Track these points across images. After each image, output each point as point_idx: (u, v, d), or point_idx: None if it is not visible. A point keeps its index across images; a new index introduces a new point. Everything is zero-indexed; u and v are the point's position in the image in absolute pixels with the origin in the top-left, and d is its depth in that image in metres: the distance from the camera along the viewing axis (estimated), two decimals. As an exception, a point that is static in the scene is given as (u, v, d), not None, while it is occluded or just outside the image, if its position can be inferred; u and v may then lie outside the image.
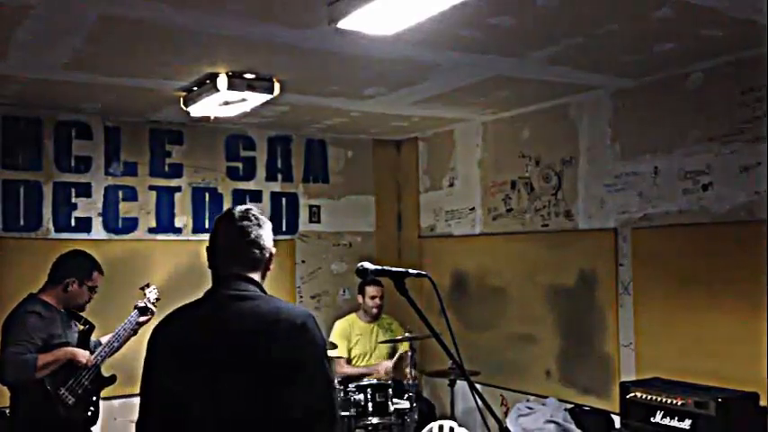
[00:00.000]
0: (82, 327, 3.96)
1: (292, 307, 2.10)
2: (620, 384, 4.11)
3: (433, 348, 5.54)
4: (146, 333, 2.18)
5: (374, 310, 5.56)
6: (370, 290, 5.54)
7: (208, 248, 2.15)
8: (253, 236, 2.11)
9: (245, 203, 5.93)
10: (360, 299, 5.66)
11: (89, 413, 3.87)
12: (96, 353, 3.89)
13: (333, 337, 5.52)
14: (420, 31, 3.34)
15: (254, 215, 2.14)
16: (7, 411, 3.77)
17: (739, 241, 3.96)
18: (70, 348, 3.77)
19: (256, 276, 2.11)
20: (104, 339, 4.01)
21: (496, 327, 5.59)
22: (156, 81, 4.37)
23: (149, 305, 4.11)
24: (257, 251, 2.11)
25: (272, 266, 2.17)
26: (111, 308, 4.44)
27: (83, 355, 3.79)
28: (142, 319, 4.07)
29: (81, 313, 3.97)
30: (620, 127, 4.67)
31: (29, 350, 3.58)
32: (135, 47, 3.70)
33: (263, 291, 2.10)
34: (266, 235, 2.15)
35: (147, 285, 4.27)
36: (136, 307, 4.10)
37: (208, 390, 1.94)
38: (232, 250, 2.11)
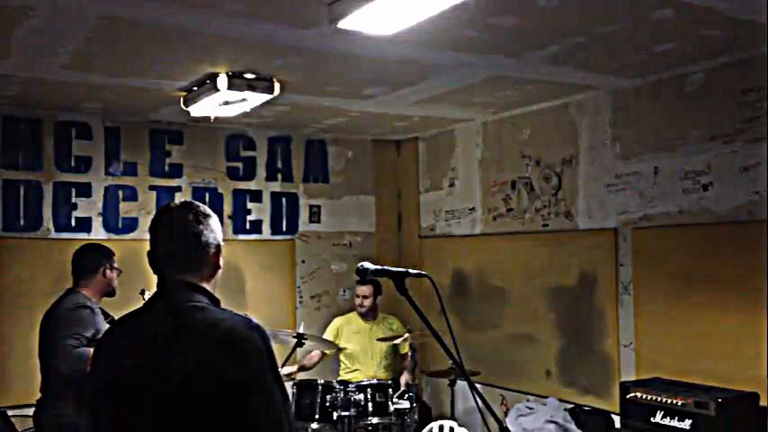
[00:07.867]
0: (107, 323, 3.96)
1: (236, 318, 1.83)
2: (620, 384, 4.11)
3: (434, 348, 5.56)
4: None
5: (362, 309, 5.52)
6: (359, 289, 5.52)
7: (149, 252, 1.92)
8: (195, 233, 1.88)
9: (246, 203, 6.01)
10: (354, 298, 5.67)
11: None
12: None
13: (325, 333, 5.54)
14: (420, 31, 3.34)
15: (194, 208, 1.92)
16: (8, 411, 3.76)
17: (739, 241, 3.96)
18: None
19: (203, 281, 1.90)
20: None
21: (496, 327, 5.59)
22: (156, 81, 4.37)
23: None
24: (202, 250, 1.89)
25: (221, 262, 1.96)
26: (111, 308, 4.42)
27: None
28: None
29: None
30: (620, 127, 4.67)
31: (81, 344, 3.55)
32: (135, 47, 3.69)
33: (209, 297, 1.89)
34: (210, 229, 1.92)
35: (145, 291, 4.22)
36: None
37: (146, 423, 1.75)
38: (174, 252, 1.89)
